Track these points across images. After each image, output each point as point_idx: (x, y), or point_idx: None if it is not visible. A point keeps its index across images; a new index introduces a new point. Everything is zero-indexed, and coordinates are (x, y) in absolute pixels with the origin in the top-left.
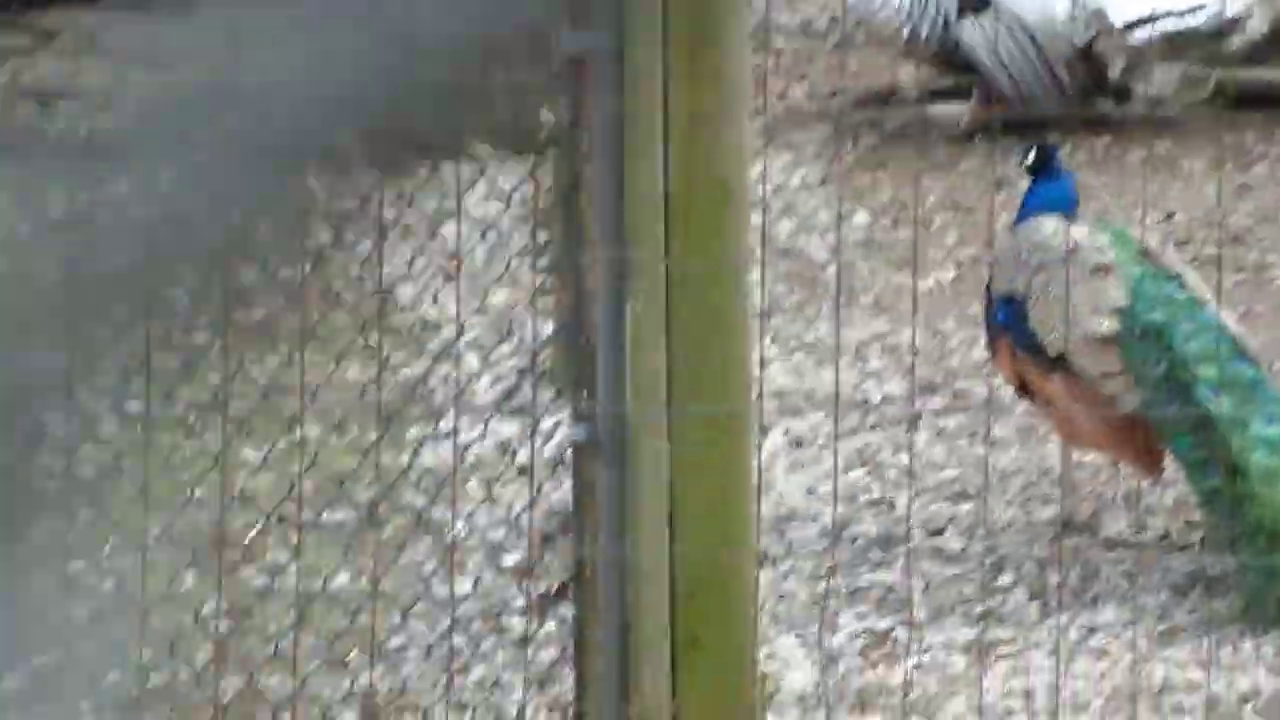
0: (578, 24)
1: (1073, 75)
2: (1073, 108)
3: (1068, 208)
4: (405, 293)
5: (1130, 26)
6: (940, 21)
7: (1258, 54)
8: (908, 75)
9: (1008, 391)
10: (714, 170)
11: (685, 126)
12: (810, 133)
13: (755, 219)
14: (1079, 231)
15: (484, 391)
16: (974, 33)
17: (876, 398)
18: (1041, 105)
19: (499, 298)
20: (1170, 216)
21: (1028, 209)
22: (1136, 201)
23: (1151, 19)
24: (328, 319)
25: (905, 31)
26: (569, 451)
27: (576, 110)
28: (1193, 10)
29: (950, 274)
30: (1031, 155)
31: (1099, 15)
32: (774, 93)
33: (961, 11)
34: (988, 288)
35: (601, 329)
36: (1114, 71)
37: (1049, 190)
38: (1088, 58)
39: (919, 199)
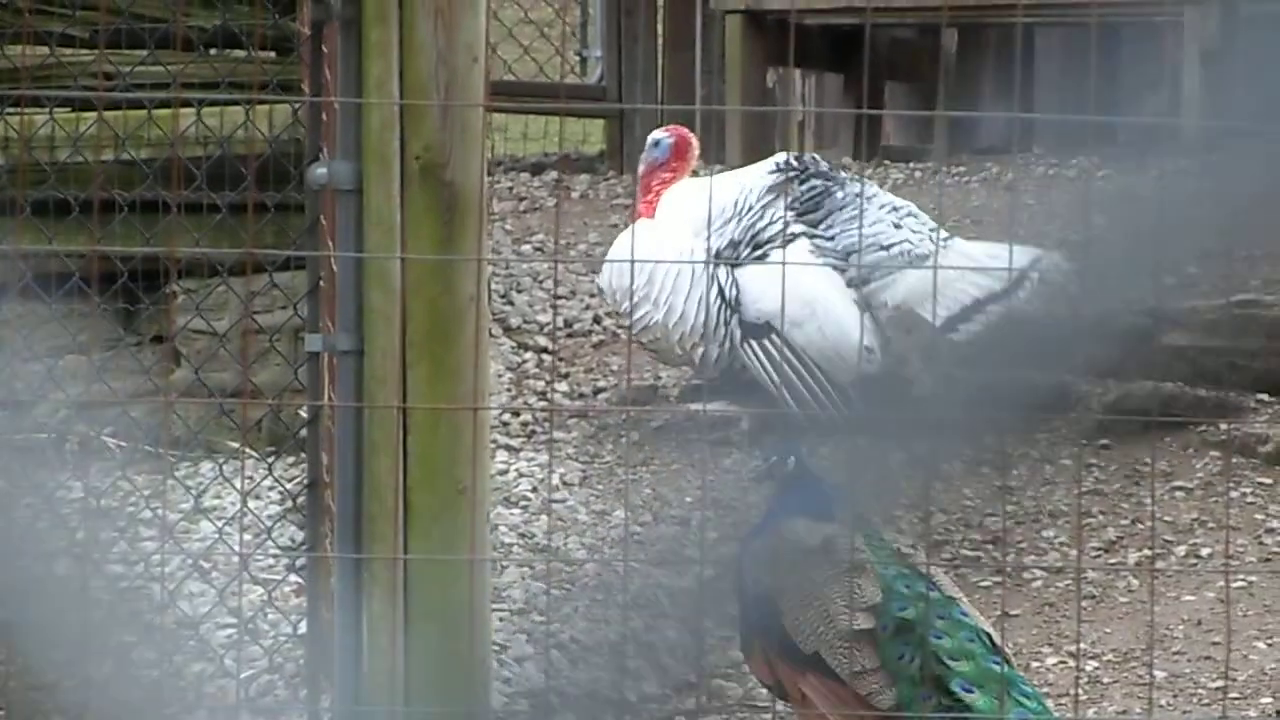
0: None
1: (865, 389)
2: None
3: (823, 513)
4: (157, 591)
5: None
6: (727, 344)
7: None
8: (668, 374)
9: (763, 691)
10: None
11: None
12: (569, 432)
13: (514, 516)
14: (831, 530)
15: (233, 691)
16: (757, 357)
17: (633, 697)
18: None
19: (251, 597)
20: (928, 517)
21: (777, 513)
22: (895, 501)
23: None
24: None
25: (699, 352)
26: None
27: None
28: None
29: (710, 572)
30: (790, 462)
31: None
32: (534, 391)
33: (744, 338)
34: (741, 586)
35: (338, 629)
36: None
37: (801, 495)
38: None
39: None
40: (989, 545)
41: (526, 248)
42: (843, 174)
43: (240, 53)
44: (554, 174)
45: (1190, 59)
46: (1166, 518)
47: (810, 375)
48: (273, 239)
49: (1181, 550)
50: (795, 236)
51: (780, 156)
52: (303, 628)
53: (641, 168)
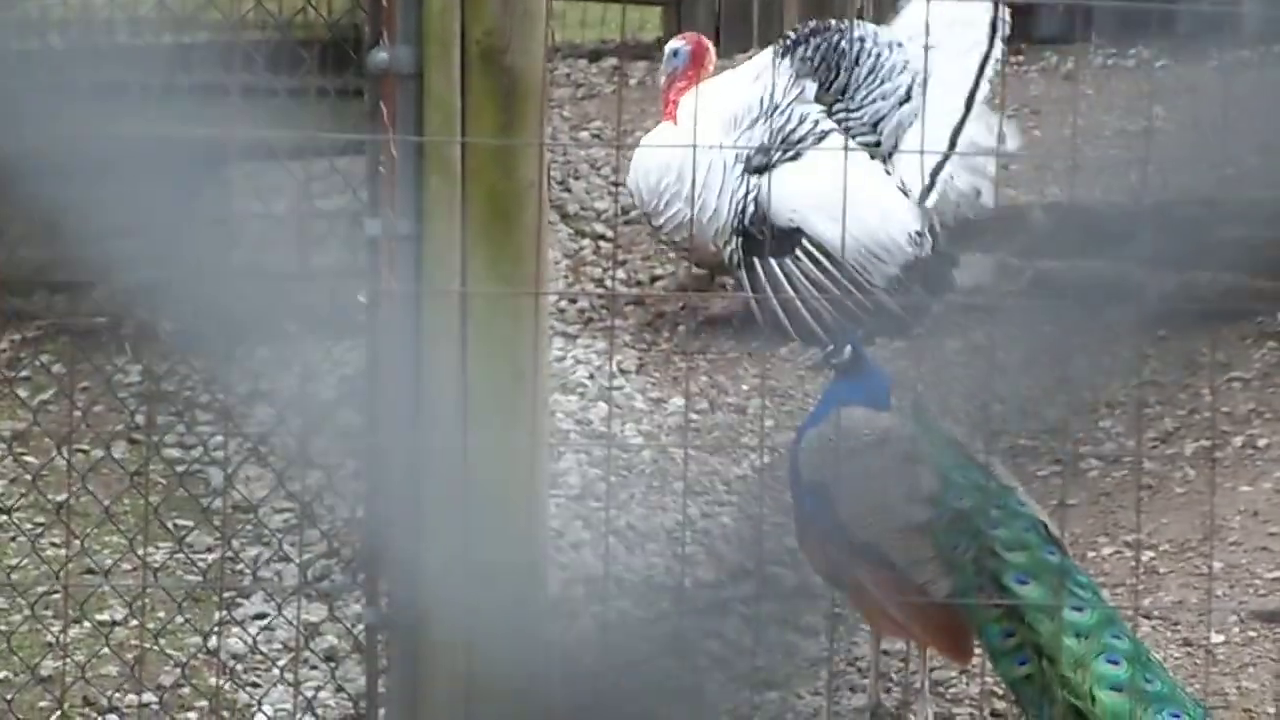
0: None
1: (905, 282)
2: (889, 326)
3: (879, 403)
4: (214, 475)
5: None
6: (736, 257)
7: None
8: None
9: (818, 579)
10: None
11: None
12: (626, 319)
13: (571, 404)
14: (888, 421)
15: (290, 575)
16: (773, 275)
17: (688, 584)
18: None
19: (309, 481)
20: (985, 406)
21: (832, 402)
22: (951, 391)
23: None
24: (130, 498)
25: (729, 248)
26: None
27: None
28: None
29: (765, 459)
30: (846, 352)
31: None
32: (591, 279)
33: (761, 252)
34: (795, 476)
35: (397, 511)
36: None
37: (857, 384)
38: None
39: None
40: (1046, 434)
41: (584, 134)
42: (832, 21)
43: None
44: (612, 60)
45: None
46: (1224, 408)
47: (846, 279)
48: (332, 124)
49: (1239, 441)
50: (826, 133)
51: (775, 46)
52: (360, 512)
53: (661, 79)
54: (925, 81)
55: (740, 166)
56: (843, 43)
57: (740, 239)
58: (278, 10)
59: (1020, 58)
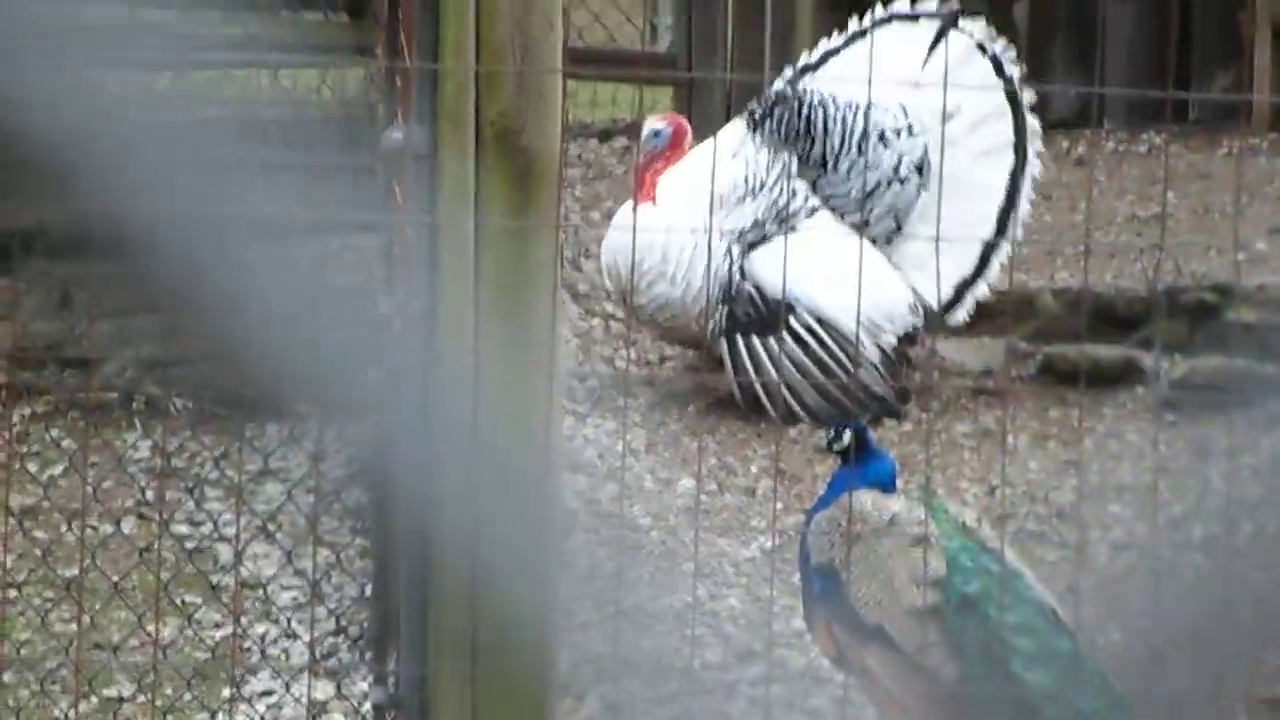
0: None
1: (893, 366)
2: (874, 408)
3: (884, 487)
4: (223, 552)
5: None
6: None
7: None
8: None
9: (825, 662)
10: None
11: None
12: (636, 399)
13: (580, 483)
14: (896, 504)
15: (298, 653)
16: (755, 354)
17: (697, 665)
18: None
19: (319, 557)
20: (993, 490)
21: (839, 487)
22: (959, 474)
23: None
24: (139, 575)
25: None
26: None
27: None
28: None
29: (773, 541)
30: (845, 437)
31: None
32: (601, 358)
33: (740, 331)
34: (804, 558)
35: (404, 591)
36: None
37: (865, 470)
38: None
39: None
40: (1054, 519)
41: (595, 215)
42: (789, 80)
43: (315, 15)
44: (623, 140)
45: (1262, 34)
46: (1234, 494)
47: (834, 359)
48: (346, 202)
49: (1248, 527)
50: (815, 209)
51: (743, 118)
52: (369, 590)
53: (639, 157)
54: (923, 168)
55: (725, 243)
56: (806, 110)
57: (724, 312)
58: (292, 87)
59: None
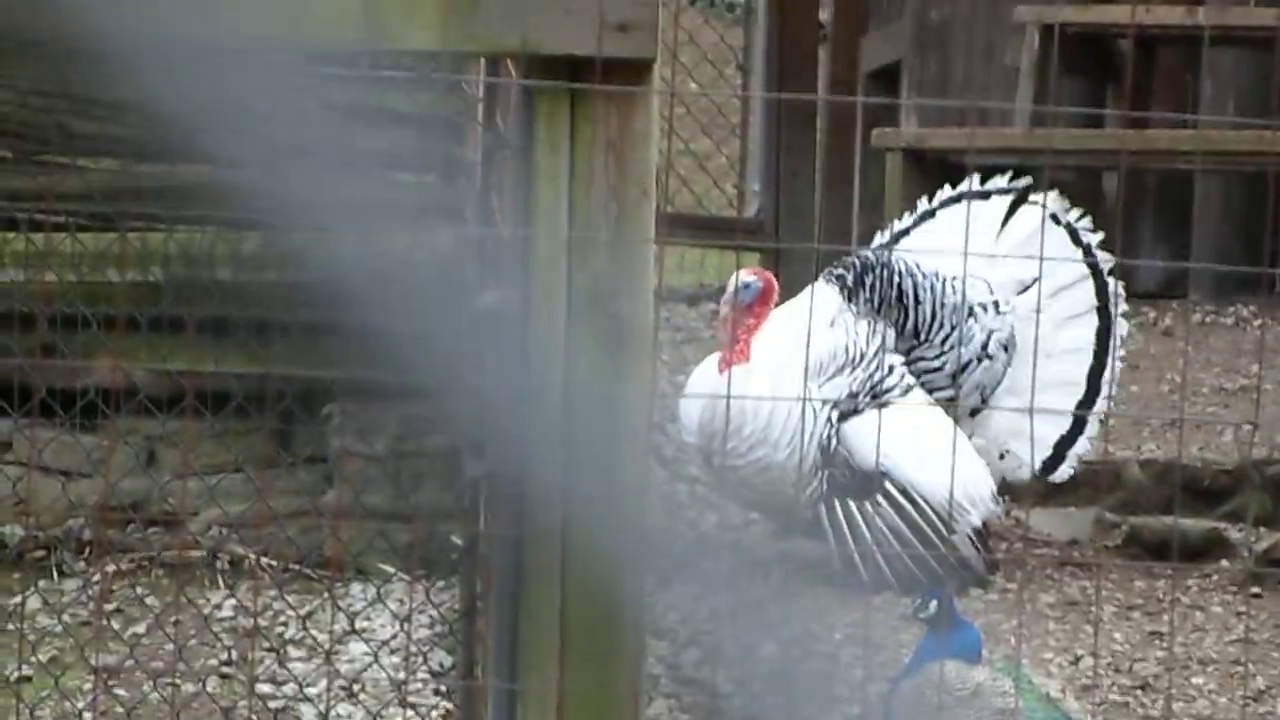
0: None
1: (982, 538)
2: (964, 576)
3: (970, 657)
4: (306, 712)
5: (1044, 469)
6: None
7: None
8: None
9: None
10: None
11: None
12: (719, 563)
13: (662, 648)
14: (982, 674)
15: None
16: (853, 519)
17: None
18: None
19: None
20: (1078, 661)
21: (924, 656)
22: (1045, 645)
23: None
24: None
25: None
26: None
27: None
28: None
29: (856, 709)
30: (932, 606)
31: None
32: (686, 522)
33: (836, 495)
34: None
35: None
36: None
37: (949, 639)
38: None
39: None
40: (1138, 690)
41: (681, 379)
42: (873, 250)
43: (408, 177)
44: (710, 305)
45: None
46: None
47: (928, 526)
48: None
49: None
50: (910, 388)
51: (830, 283)
52: None
53: (726, 309)
54: (1009, 345)
55: (826, 410)
56: (897, 279)
57: (826, 476)
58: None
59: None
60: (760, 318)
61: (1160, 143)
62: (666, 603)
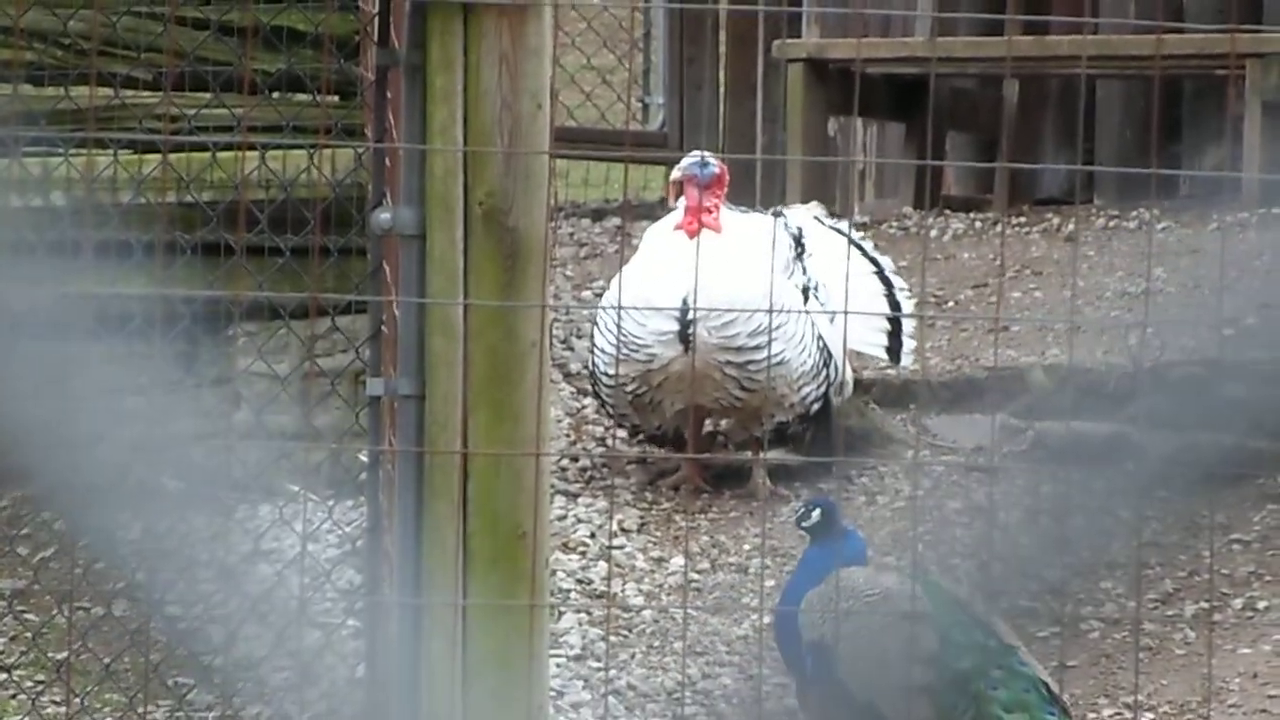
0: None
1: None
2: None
3: (858, 564)
4: (215, 633)
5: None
6: (825, 385)
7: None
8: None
9: None
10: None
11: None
12: (627, 479)
13: (572, 562)
14: (890, 579)
15: None
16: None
17: None
18: None
19: (309, 640)
20: (985, 566)
21: (811, 566)
22: (952, 551)
23: None
24: (130, 656)
25: (804, 392)
26: None
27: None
28: None
29: (767, 619)
30: (815, 515)
31: None
32: (593, 437)
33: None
34: (792, 636)
35: (396, 674)
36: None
37: (835, 547)
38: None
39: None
40: (1046, 595)
41: (587, 294)
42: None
43: (304, 97)
44: (615, 220)
45: (1252, 111)
46: (1224, 570)
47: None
48: (334, 283)
49: (1239, 603)
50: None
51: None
52: (360, 671)
53: (685, 179)
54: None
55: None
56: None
57: (824, 378)
58: (281, 170)
59: (1022, 219)
60: (719, 199)
61: (1060, 49)
62: (576, 517)
